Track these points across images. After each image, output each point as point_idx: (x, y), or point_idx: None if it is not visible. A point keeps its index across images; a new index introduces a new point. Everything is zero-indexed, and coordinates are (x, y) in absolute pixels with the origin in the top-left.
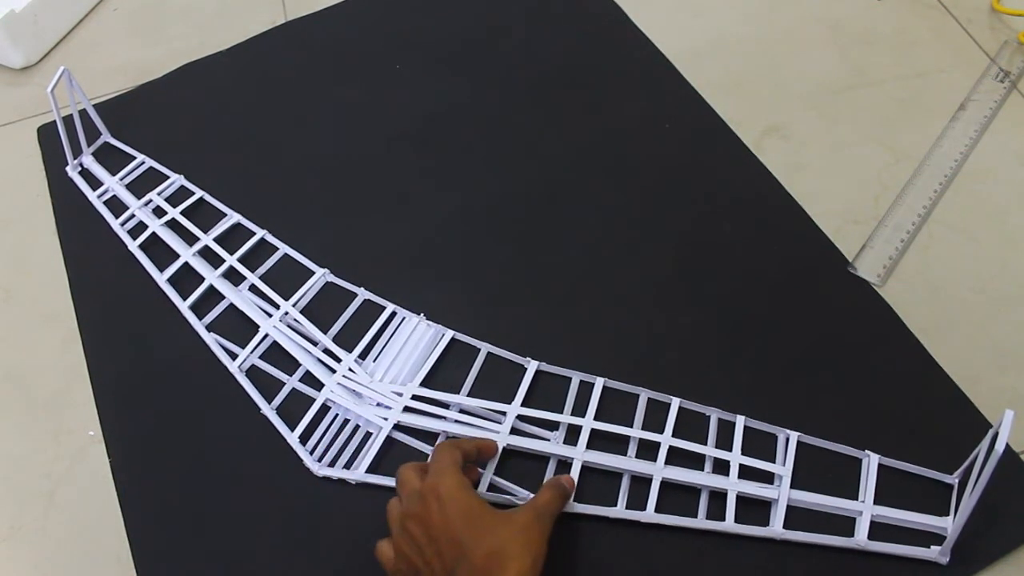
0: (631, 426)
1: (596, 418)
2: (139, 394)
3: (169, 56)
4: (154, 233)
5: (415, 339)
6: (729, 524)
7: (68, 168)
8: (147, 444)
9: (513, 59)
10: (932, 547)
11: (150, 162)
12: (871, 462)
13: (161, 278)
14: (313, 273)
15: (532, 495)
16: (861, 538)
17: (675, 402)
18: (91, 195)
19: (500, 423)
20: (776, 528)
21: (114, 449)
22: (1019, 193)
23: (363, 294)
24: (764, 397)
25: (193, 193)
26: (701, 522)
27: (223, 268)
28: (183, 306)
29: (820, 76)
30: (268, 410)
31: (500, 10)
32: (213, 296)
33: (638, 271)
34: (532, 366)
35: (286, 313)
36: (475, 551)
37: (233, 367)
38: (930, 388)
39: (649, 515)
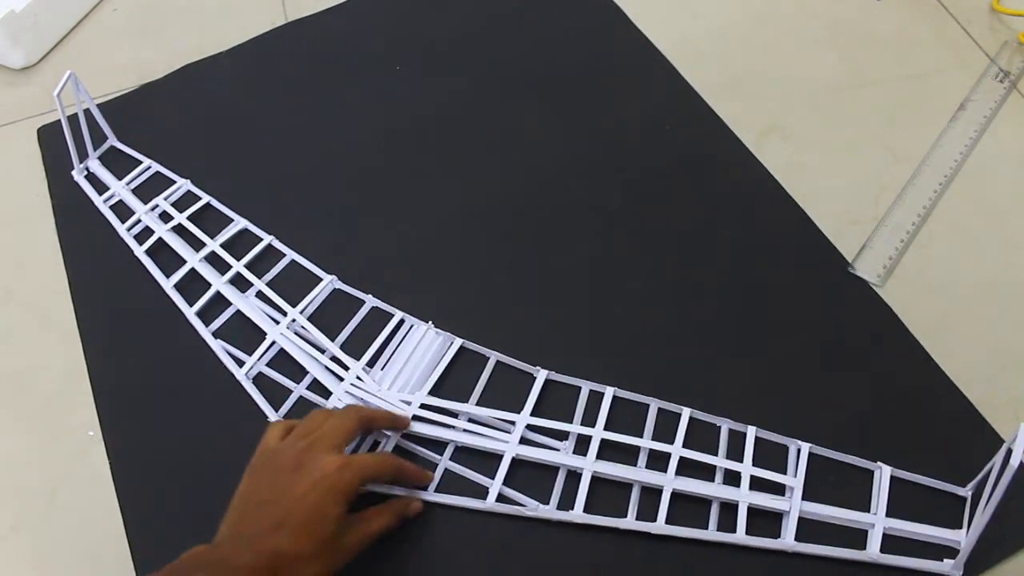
0: (641, 436)
1: (606, 428)
2: (140, 396)
3: (169, 57)
4: (160, 238)
5: (423, 347)
6: (740, 536)
7: (74, 172)
8: (148, 446)
9: (514, 60)
10: (945, 560)
11: (156, 166)
12: (883, 474)
13: (167, 284)
14: (320, 280)
15: (540, 504)
16: (873, 551)
17: (686, 412)
18: (97, 200)
19: (509, 432)
20: (788, 540)
21: (114, 449)
22: (1019, 193)
23: (371, 301)
24: (763, 398)
25: (199, 198)
26: (712, 534)
27: (230, 274)
28: (189, 312)
29: (820, 76)
30: (276, 418)
31: (500, 11)
32: (220, 302)
33: (639, 275)
34: (541, 375)
35: (293, 320)
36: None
37: (240, 374)
38: (930, 388)
39: (660, 526)
